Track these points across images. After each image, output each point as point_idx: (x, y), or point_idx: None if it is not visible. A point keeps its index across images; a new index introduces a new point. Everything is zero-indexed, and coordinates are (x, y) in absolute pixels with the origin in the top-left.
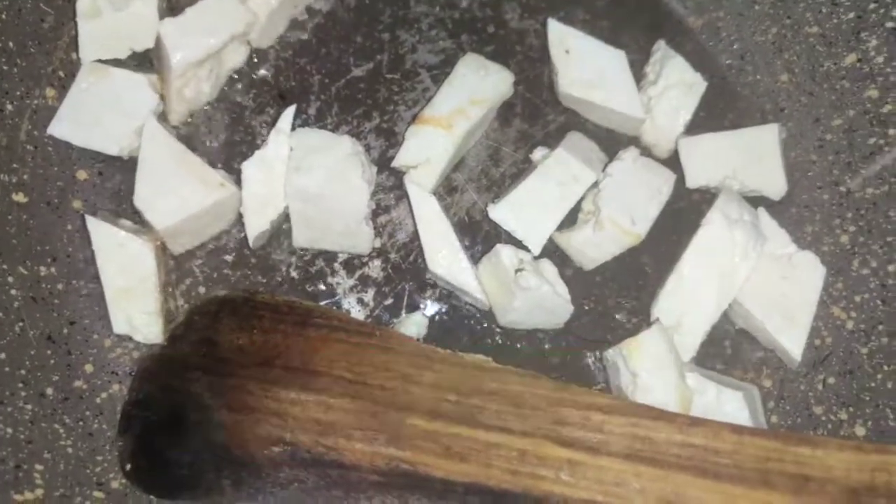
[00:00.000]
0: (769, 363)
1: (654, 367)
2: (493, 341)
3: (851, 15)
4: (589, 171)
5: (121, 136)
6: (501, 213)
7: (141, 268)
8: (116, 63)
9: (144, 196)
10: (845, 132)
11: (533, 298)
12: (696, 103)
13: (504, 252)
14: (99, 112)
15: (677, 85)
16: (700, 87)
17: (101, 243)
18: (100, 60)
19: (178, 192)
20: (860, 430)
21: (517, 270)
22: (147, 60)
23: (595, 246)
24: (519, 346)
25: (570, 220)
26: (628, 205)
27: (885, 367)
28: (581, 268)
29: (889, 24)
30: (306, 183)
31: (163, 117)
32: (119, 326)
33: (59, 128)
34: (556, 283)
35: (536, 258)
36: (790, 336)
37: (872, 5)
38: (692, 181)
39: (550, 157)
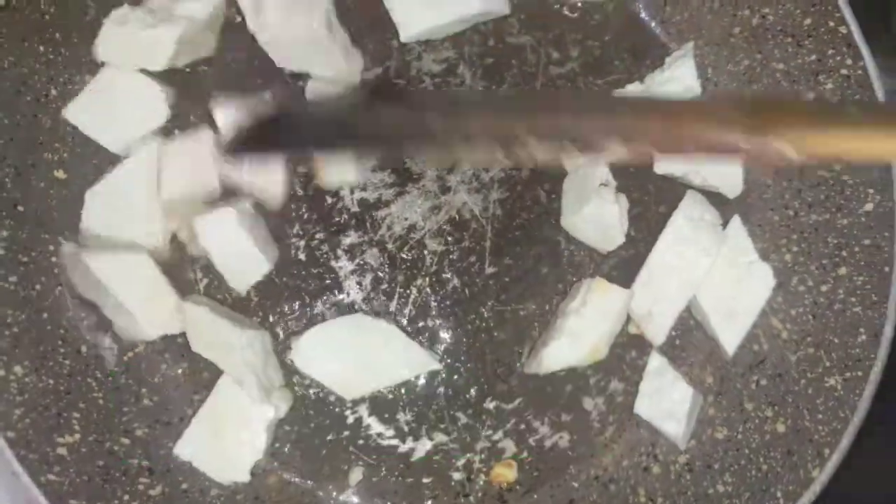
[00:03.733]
0: (713, 362)
1: (601, 311)
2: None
3: (813, 57)
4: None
5: (123, 139)
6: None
7: (147, 274)
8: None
9: (97, 197)
10: None
11: (600, 212)
12: None
13: (597, 170)
14: (111, 109)
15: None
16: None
17: (104, 270)
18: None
19: (119, 216)
20: (781, 427)
21: (602, 184)
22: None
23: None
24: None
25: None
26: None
27: (808, 374)
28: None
29: (843, 72)
30: None
31: (166, 132)
32: (150, 333)
33: (74, 113)
34: (623, 214)
35: None
36: (728, 334)
37: (831, 51)
38: (660, 168)
39: None
